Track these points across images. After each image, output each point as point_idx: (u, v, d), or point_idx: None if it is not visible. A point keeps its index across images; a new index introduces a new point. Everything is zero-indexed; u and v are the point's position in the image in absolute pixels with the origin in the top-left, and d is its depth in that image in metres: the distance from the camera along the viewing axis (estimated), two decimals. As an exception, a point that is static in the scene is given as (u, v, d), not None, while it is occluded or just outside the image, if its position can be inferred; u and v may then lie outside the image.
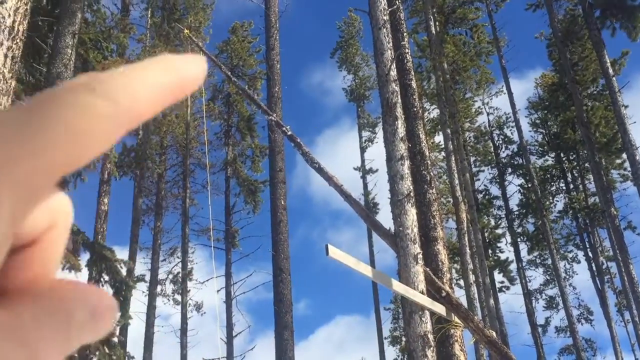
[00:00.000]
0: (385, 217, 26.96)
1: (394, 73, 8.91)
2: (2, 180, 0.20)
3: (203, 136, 23.64)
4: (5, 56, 5.79)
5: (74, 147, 0.22)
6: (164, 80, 0.25)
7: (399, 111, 8.58)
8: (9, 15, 5.81)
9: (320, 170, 9.19)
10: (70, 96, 0.23)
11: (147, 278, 22.54)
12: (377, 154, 37.17)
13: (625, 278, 20.34)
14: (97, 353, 9.88)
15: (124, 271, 11.70)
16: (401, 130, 8.40)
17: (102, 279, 11.22)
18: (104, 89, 0.23)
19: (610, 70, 18.55)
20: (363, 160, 31.62)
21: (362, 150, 31.88)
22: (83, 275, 12.35)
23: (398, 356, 32.99)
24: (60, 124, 0.22)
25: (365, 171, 31.32)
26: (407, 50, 10.72)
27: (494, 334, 7.68)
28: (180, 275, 24.59)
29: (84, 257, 10.64)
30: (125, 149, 23.92)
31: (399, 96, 8.74)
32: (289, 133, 9.87)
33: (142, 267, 24.38)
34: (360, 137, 32.28)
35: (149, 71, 0.25)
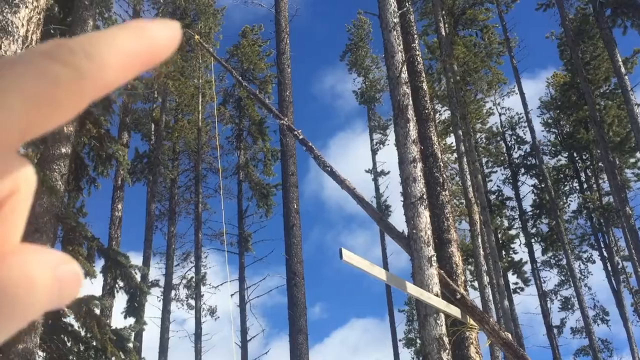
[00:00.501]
0: (397, 220, 26.86)
1: (404, 75, 8.91)
2: None
3: (215, 141, 23.70)
4: (19, 65, 5.84)
5: (34, 115, 0.22)
6: (134, 46, 0.25)
7: (411, 113, 8.57)
8: (22, 25, 5.86)
9: (332, 174, 9.20)
10: (29, 63, 0.22)
11: (162, 283, 22.65)
12: (388, 156, 37.16)
13: (641, 278, 20.19)
14: (113, 359, 9.92)
15: (138, 277, 11.74)
16: (413, 133, 8.39)
17: (117, 285, 11.28)
18: (66, 56, 0.23)
19: (623, 69, 18.43)
20: (374, 163, 31.59)
21: (374, 152, 31.85)
22: (98, 281, 12.43)
23: (412, 358, 32.90)
24: (18, 91, 0.21)
25: (376, 173, 31.28)
26: (417, 52, 10.72)
27: (510, 335, 7.64)
28: (194, 280, 24.65)
29: (99, 264, 10.73)
30: (137, 155, 24.07)
31: (410, 98, 8.74)
32: (301, 137, 9.89)
33: (156, 272, 24.50)
34: (372, 139, 32.25)
35: (117, 37, 0.25)
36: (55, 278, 0.24)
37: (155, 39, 0.26)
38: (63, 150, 9.65)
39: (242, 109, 27.37)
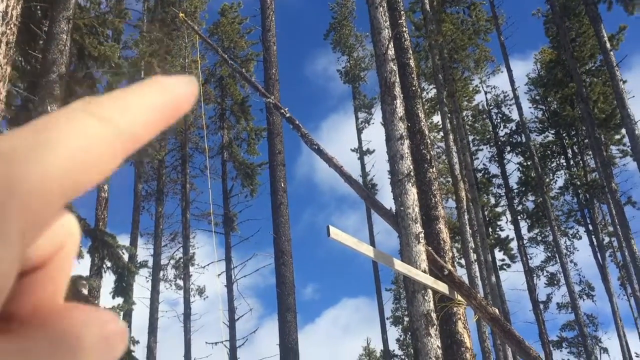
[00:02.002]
0: (384, 198, 26.87)
1: (391, 52, 8.85)
2: (11, 203, 0.20)
3: (200, 120, 23.59)
4: (0, 41, 5.75)
5: (77, 170, 0.22)
6: (159, 101, 0.26)
7: (398, 90, 8.53)
8: (2, 0, 5.75)
9: (319, 152, 9.18)
10: (70, 120, 0.23)
11: (150, 264, 22.61)
12: (374, 135, 37.16)
13: (627, 252, 20.40)
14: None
15: (126, 257, 11.70)
16: (400, 110, 8.36)
17: (104, 265, 11.23)
18: (102, 111, 0.24)
19: (608, 45, 18.45)
20: (360, 142, 31.55)
21: (359, 131, 31.79)
22: (85, 261, 12.38)
23: (400, 336, 33.21)
24: (63, 147, 0.22)
25: (362, 152, 31.27)
26: (404, 29, 10.65)
27: (497, 311, 7.70)
28: (182, 260, 24.64)
29: (86, 244, 10.66)
30: (124, 135, 23.84)
31: (397, 75, 8.69)
32: (287, 115, 9.84)
33: (144, 253, 24.48)
34: (357, 118, 32.17)
35: (143, 93, 0.25)
36: (103, 337, 0.24)
37: (176, 93, 0.26)
38: (47, 130, 9.53)
39: (224, 88, 27.16)
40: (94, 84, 11.33)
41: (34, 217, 0.21)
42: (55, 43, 10.31)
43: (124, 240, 19.52)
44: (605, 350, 29.93)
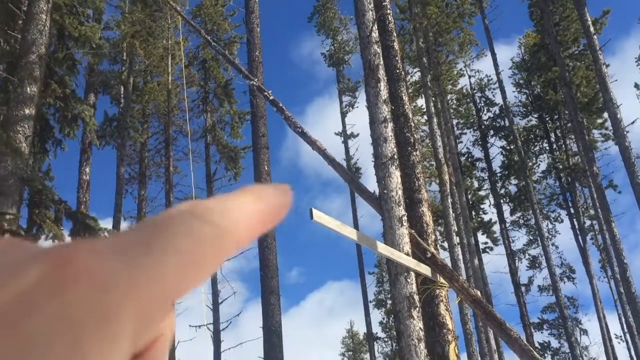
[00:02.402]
0: (368, 181, 26.94)
1: (375, 34, 8.80)
2: (128, 304, 0.21)
3: (184, 103, 23.42)
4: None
5: (185, 272, 0.23)
6: (256, 208, 0.27)
7: (382, 73, 8.49)
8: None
9: (303, 135, 9.13)
10: (179, 223, 0.24)
11: (132, 247, 22.48)
12: (358, 118, 37.12)
13: (607, 235, 20.62)
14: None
15: (108, 240, 11.55)
16: (384, 93, 8.33)
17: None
18: (208, 214, 0.25)
19: (592, 29, 18.49)
20: (344, 125, 31.51)
21: (343, 115, 31.73)
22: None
23: (383, 318, 33.48)
24: (175, 251, 0.23)
25: (346, 136, 31.24)
26: (388, 11, 10.58)
27: (479, 293, 7.75)
28: (165, 243, 24.52)
29: (67, 227, 10.57)
30: (107, 118, 23.63)
31: (381, 58, 8.65)
32: (271, 98, 9.78)
33: (126, 236, 24.30)
34: (341, 102, 32.10)
35: (243, 199, 0.27)
36: None
37: (272, 202, 0.28)
38: (27, 111, 9.40)
39: (207, 71, 26.94)
40: (74, 65, 11.16)
41: (146, 317, 0.22)
42: (35, 23, 10.13)
43: (107, 224, 19.41)
44: (585, 331, 30.40)
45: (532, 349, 6.88)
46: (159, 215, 0.24)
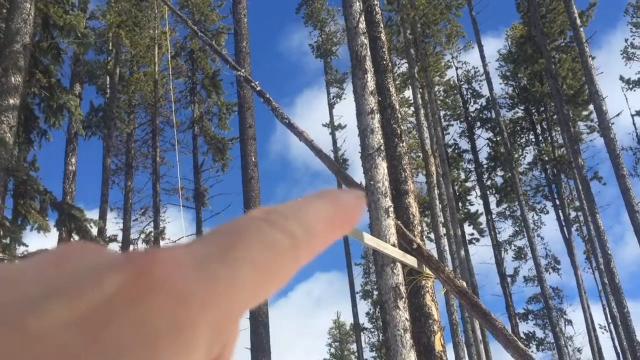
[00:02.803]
0: (355, 173, 27.01)
1: (362, 25, 8.79)
2: (204, 317, 0.21)
3: (170, 94, 23.31)
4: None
5: (260, 283, 0.23)
6: (331, 213, 0.26)
7: (369, 64, 8.49)
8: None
9: (290, 126, 9.13)
10: (255, 232, 0.23)
11: (119, 238, 22.41)
12: (345, 110, 37.13)
13: (592, 227, 20.80)
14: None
15: (94, 231, 11.56)
16: (371, 84, 8.33)
17: (72, 239, 11.09)
18: (283, 223, 0.24)
19: (578, 21, 18.57)
20: (332, 117, 31.48)
21: (331, 106, 31.69)
22: (52, 235, 12.20)
23: (370, 309, 33.64)
24: (250, 262, 0.22)
25: (334, 127, 31.22)
26: (376, 2, 10.57)
27: (464, 284, 7.79)
28: (152, 234, 24.46)
29: (53, 218, 10.50)
30: (93, 108, 23.45)
31: (368, 49, 8.64)
32: (258, 88, 9.76)
33: (113, 227, 24.21)
34: (329, 93, 32.05)
35: (318, 205, 0.26)
36: None
37: (346, 207, 0.27)
38: (11, 101, 9.31)
39: (195, 61, 26.81)
40: (59, 54, 11.06)
41: (220, 329, 0.22)
42: (19, 12, 10.03)
43: (93, 214, 19.31)
44: (570, 322, 30.73)
45: (516, 339, 6.93)
46: (233, 222, 0.24)
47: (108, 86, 23.87)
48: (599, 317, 42.04)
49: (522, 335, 29.28)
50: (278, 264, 0.23)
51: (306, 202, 0.26)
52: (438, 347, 8.06)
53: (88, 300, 0.19)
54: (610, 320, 26.27)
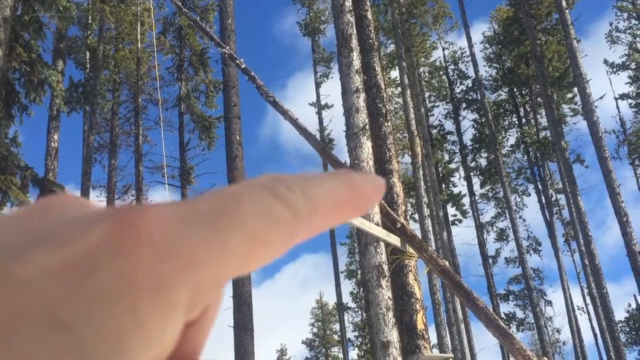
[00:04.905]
0: (341, 153, 27.03)
1: (349, 3, 8.73)
2: (183, 277, 0.20)
3: (155, 71, 23.05)
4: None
5: (250, 254, 0.22)
6: (342, 195, 0.25)
7: (354, 43, 8.44)
8: None
9: (275, 104, 9.08)
10: (253, 199, 0.22)
11: (102, 216, 22.26)
12: (332, 89, 37.00)
13: (574, 209, 20.99)
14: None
15: (76, 208, 11.38)
16: (356, 63, 8.29)
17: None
18: (286, 194, 0.23)
19: (564, 3, 18.59)
20: (318, 96, 31.32)
21: (318, 85, 31.52)
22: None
23: (354, 289, 33.84)
24: (243, 231, 0.22)
25: (320, 107, 31.09)
26: (362, -20, 10.49)
27: (447, 263, 7.84)
28: (135, 213, 24.32)
29: (34, 195, 10.39)
30: (72, 84, 23.15)
31: (354, 27, 8.59)
32: (243, 66, 9.68)
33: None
34: (315, 72, 31.87)
35: (329, 183, 0.25)
36: None
37: (361, 191, 0.26)
38: (-9, 75, 9.16)
39: (183, 38, 26.53)
40: (40, 28, 10.88)
41: (201, 291, 0.21)
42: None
43: (75, 193, 19.14)
44: (550, 302, 31.12)
45: (497, 318, 7.00)
46: (235, 185, 0.23)
47: (88, 61, 23.58)
48: (577, 298, 42.62)
49: (502, 315, 29.61)
50: (273, 236, 0.22)
51: (318, 178, 0.25)
52: (420, 325, 8.11)
53: (73, 250, 0.19)
54: (588, 302, 26.65)
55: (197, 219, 0.21)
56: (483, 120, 29.57)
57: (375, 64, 10.00)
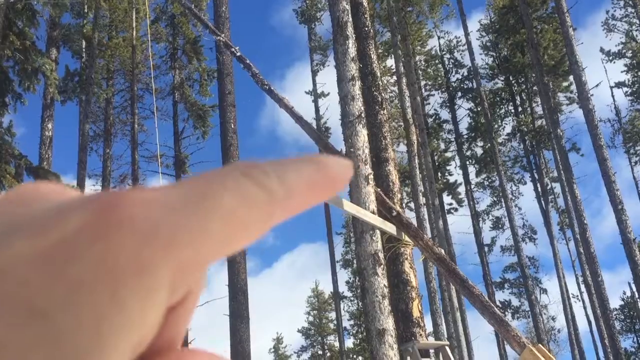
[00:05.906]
0: (337, 142, 26.99)
1: (345, -10, 8.68)
2: (165, 260, 0.20)
3: (150, 60, 22.95)
4: None
5: (229, 235, 0.22)
6: (314, 177, 0.26)
7: (350, 30, 8.41)
8: None
9: (270, 92, 9.05)
10: (230, 182, 0.23)
11: (97, 205, 22.23)
12: (328, 78, 36.89)
13: (569, 197, 21.03)
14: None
15: (71, 197, 11.35)
16: (352, 50, 8.26)
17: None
18: (262, 178, 0.24)
19: (560, -9, 18.53)
20: (315, 84, 31.20)
21: (314, 73, 31.39)
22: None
23: (350, 278, 33.91)
24: (222, 212, 0.22)
25: (317, 95, 30.98)
26: (358, -33, 10.43)
27: (443, 251, 7.85)
28: (131, 202, 24.29)
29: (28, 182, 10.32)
30: (68, 73, 23.04)
31: (349, 15, 8.56)
32: (238, 54, 9.64)
33: (91, 194, 24.01)
34: (312, 60, 31.73)
35: (302, 167, 0.25)
36: None
37: (331, 173, 0.26)
38: (-15, 63, 9.10)
39: (176, 26, 26.37)
40: (34, 16, 10.79)
41: (183, 274, 0.21)
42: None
43: (70, 182, 19.13)
44: (545, 290, 31.27)
45: (492, 305, 7.02)
46: (212, 171, 0.23)
47: (84, 50, 23.45)
48: (572, 287, 42.83)
49: (498, 303, 29.73)
50: (251, 217, 0.23)
51: (290, 162, 0.25)
52: (416, 313, 8.13)
53: (51, 237, 0.19)
54: (583, 290, 26.78)
55: (176, 202, 0.21)
56: (479, 109, 29.55)
57: (371, 52, 9.97)
